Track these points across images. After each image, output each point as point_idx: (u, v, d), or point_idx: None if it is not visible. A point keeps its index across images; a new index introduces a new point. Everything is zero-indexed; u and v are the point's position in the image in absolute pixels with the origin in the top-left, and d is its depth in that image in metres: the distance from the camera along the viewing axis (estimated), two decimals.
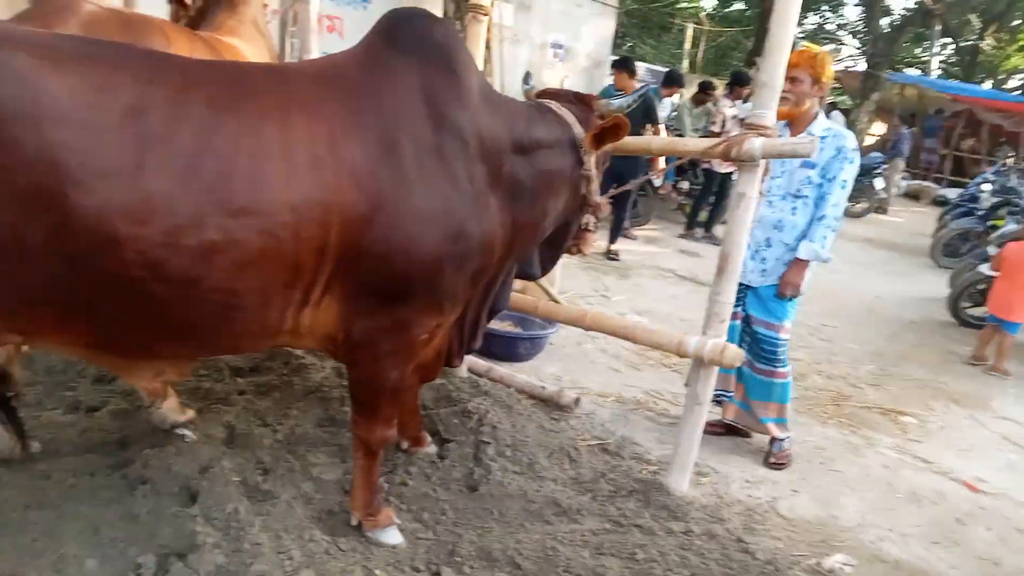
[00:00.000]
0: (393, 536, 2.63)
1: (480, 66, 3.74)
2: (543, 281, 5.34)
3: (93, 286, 1.79)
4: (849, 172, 3.43)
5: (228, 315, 1.97)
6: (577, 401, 3.95)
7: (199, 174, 1.80)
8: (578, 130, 2.59)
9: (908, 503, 3.50)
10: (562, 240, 2.85)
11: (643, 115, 9.09)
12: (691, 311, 5.89)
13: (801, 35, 28.27)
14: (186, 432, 3.04)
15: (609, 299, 6.37)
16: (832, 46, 24.78)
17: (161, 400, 2.98)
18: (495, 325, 4.73)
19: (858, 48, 26.72)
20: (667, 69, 12.45)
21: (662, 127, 8.99)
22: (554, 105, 2.65)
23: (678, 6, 24.01)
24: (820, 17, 30.03)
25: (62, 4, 2.69)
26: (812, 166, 3.46)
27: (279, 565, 2.34)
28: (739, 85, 10.83)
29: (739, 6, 27.40)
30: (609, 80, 10.72)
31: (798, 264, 3.52)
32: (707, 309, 3.13)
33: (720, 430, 3.89)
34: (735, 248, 3.02)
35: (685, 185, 10.13)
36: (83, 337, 1.96)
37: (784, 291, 3.54)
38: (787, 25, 2.85)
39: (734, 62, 21.09)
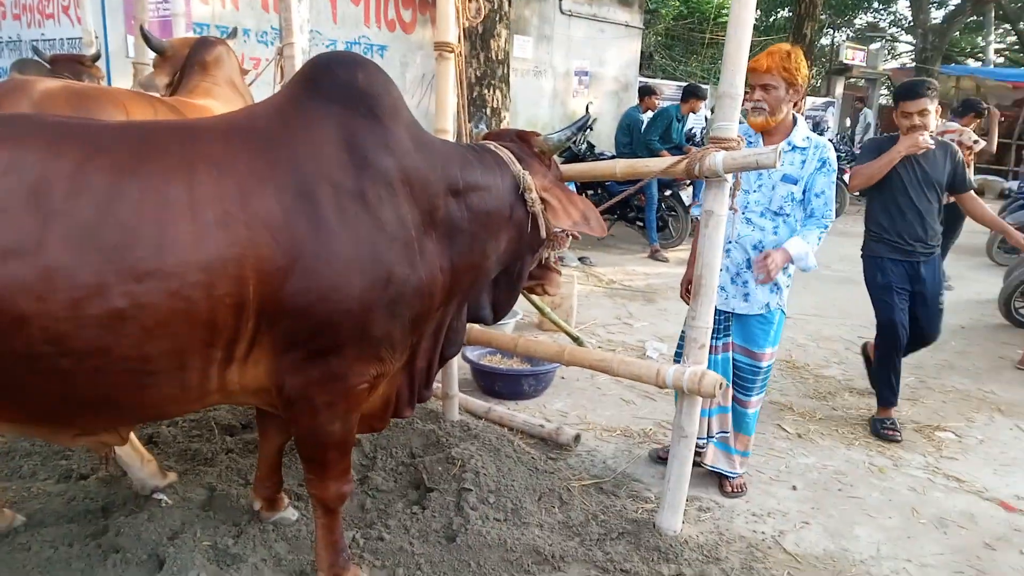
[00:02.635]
0: None
1: (450, 106, 3.71)
2: (557, 314, 5.27)
3: (5, 368, 1.79)
4: (832, 181, 3.25)
5: (143, 382, 1.94)
6: (577, 438, 3.82)
7: (100, 244, 1.79)
8: (516, 168, 2.54)
9: (933, 529, 3.23)
10: (516, 280, 2.77)
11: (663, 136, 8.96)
12: None
13: (852, 35, 27.59)
14: (163, 497, 3.04)
15: (631, 326, 6.20)
16: (878, 45, 23.99)
17: (112, 459, 3.00)
18: (499, 363, 4.66)
19: (912, 45, 25.83)
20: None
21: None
22: (492, 145, 2.60)
23: (719, 19, 23.73)
24: (872, 15, 29.22)
25: (15, 84, 2.79)
26: (794, 181, 3.23)
27: None
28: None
29: (786, 13, 26.76)
30: (635, 102, 10.64)
31: (784, 252, 3.15)
32: (684, 335, 2.98)
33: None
34: (707, 270, 2.88)
35: None
36: (2, 415, 1.96)
37: (758, 271, 3.17)
38: (743, 28, 2.70)
39: None
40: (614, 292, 7.25)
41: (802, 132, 3.27)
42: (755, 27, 2.87)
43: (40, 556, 2.72)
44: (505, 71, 8.94)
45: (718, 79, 3.43)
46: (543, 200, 2.60)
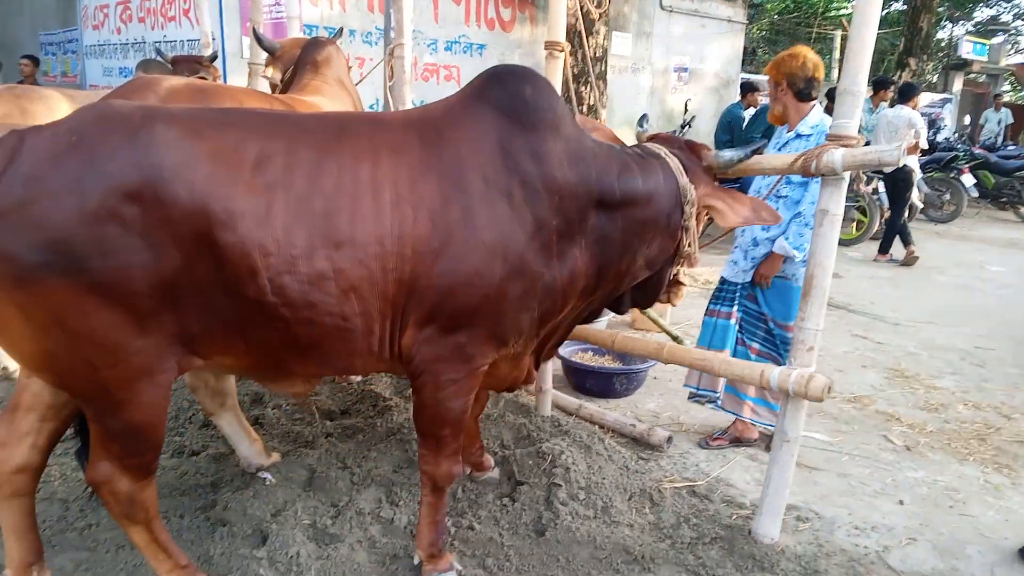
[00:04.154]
0: None
1: (558, 103, 3.70)
2: (652, 312, 5.20)
3: (244, 312, 2.06)
4: None
5: (342, 337, 2.19)
6: (669, 439, 3.75)
7: (310, 212, 2.05)
8: (683, 180, 2.55)
9: None
10: (656, 287, 2.79)
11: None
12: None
13: (972, 28, 25.99)
14: (267, 475, 3.18)
15: None
16: (1000, 38, 22.46)
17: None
18: (590, 360, 4.63)
19: None
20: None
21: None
22: (663, 151, 2.62)
23: (827, 14, 22.85)
24: (993, 8, 27.49)
25: (144, 82, 2.97)
26: None
27: None
28: (883, 89, 10.20)
29: (899, 6, 25.37)
30: (736, 99, 10.37)
31: (772, 257, 3.62)
32: (793, 336, 2.88)
33: (725, 442, 3.89)
34: (819, 270, 2.77)
35: None
36: (241, 357, 2.23)
37: (757, 280, 3.68)
38: (868, 25, 2.61)
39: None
40: (710, 292, 7.06)
41: (811, 121, 3.61)
42: None
43: None
44: (602, 68, 8.88)
45: (825, 74, 3.37)
46: (708, 207, 2.63)
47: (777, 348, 3.69)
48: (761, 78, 13.14)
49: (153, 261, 1.90)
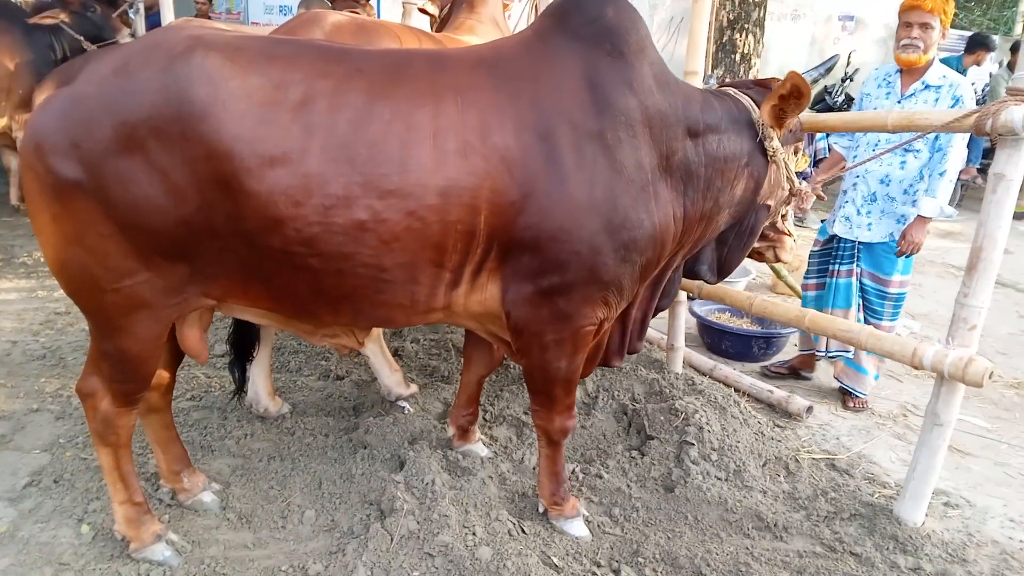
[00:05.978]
0: (578, 527, 2.64)
1: (702, 47, 3.51)
2: (792, 278, 4.98)
3: (267, 259, 1.99)
4: None
5: (378, 288, 2.07)
6: (809, 409, 3.60)
7: (351, 158, 1.91)
8: (756, 114, 2.40)
9: None
10: (747, 237, 2.62)
11: None
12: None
13: None
14: (405, 405, 3.32)
15: None
16: None
17: (351, 355, 3.37)
18: (727, 322, 4.50)
19: None
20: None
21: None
22: (731, 91, 2.48)
23: None
24: None
25: (310, 16, 3.07)
26: None
27: (461, 538, 2.46)
28: None
29: None
30: None
31: (920, 221, 3.41)
32: (953, 313, 2.66)
33: (784, 372, 4.10)
34: (988, 241, 2.52)
35: None
36: (261, 302, 2.17)
37: (907, 249, 3.44)
38: None
39: None
40: None
41: (938, 71, 3.42)
42: None
43: (302, 441, 3.10)
44: (761, 15, 8.37)
45: (1008, 28, 3.07)
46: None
47: (871, 305, 3.69)
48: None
49: (170, 200, 1.87)
